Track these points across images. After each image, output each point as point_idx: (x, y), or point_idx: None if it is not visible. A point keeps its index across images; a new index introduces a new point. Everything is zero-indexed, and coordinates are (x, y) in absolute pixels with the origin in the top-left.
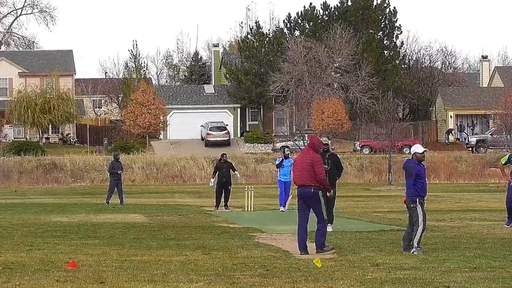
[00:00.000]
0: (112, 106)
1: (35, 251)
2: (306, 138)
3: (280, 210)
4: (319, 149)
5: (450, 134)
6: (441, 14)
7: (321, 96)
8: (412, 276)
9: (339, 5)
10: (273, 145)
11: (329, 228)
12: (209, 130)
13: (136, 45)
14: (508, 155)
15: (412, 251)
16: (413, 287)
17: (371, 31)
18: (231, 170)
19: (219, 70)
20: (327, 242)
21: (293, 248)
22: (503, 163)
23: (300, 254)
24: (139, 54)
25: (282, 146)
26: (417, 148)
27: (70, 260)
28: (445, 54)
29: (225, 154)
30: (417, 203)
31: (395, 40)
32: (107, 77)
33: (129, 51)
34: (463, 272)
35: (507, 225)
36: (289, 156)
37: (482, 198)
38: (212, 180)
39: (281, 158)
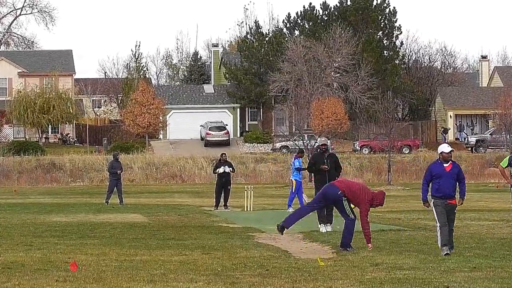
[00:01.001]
0: (111, 106)
1: (34, 251)
2: (306, 138)
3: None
4: (374, 205)
5: (447, 134)
6: (440, 14)
7: (321, 96)
8: (411, 276)
9: (338, 5)
10: (273, 145)
11: (329, 228)
12: (209, 130)
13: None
14: (508, 158)
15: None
16: (412, 287)
17: (370, 31)
18: (231, 169)
19: (218, 70)
20: (326, 242)
21: (292, 248)
22: (503, 166)
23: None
24: (140, 54)
25: (300, 149)
26: (443, 148)
27: (71, 261)
28: (445, 54)
29: (225, 154)
30: (430, 204)
31: (394, 40)
32: (106, 77)
33: (131, 51)
34: (463, 272)
35: None
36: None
37: (482, 198)
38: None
39: (300, 159)
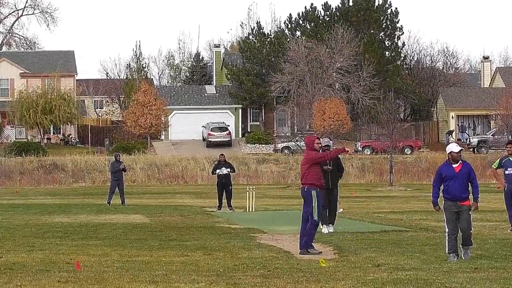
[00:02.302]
0: (113, 107)
1: (36, 251)
2: None
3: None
4: (312, 145)
5: (451, 135)
6: (442, 15)
7: (323, 97)
8: (413, 277)
9: (340, 5)
10: (275, 145)
11: (331, 229)
12: (211, 130)
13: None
14: (499, 159)
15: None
16: (414, 287)
17: (372, 31)
18: (229, 169)
19: (220, 70)
20: (328, 242)
21: (294, 249)
22: (495, 168)
23: (299, 253)
24: (141, 55)
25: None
26: (452, 147)
27: (73, 261)
28: (447, 55)
29: (223, 154)
30: (440, 207)
31: (396, 41)
32: (108, 78)
33: (133, 51)
34: (465, 272)
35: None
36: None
37: (484, 198)
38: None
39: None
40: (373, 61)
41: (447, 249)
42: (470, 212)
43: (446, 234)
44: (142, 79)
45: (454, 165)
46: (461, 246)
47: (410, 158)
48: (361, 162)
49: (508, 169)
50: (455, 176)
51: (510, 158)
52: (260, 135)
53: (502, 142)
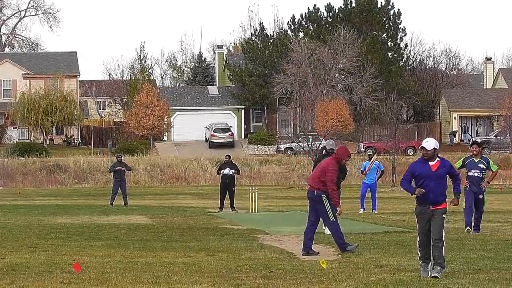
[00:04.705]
0: (116, 108)
1: (39, 252)
2: (311, 139)
3: (360, 211)
4: (341, 159)
5: (454, 136)
6: (445, 16)
7: (325, 98)
8: (416, 278)
9: (343, 6)
10: (277, 146)
11: None
12: (213, 131)
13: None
14: (462, 159)
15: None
16: None
17: (375, 32)
18: (234, 171)
19: (223, 71)
20: (331, 243)
21: (297, 250)
22: (457, 167)
23: (301, 254)
24: (145, 56)
25: (371, 150)
26: (424, 143)
27: (74, 262)
28: (449, 56)
29: (229, 155)
30: (416, 212)
31: (399, 42)
32: (111, 79)
33: (136, 51)
34: (467, 273)
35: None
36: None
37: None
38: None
39: (367, 163)
40: (376, 62)
41: (418, 257)
42: (443, 216)
43: (418, 244)
44: (145, 80)
45: (430, 163)
46: (432, 260)
47: (412, 159)
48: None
49: (472, 170)
50: (430, 175)
51: (474, 160)
52: (263, 136)
53: (505, 143)
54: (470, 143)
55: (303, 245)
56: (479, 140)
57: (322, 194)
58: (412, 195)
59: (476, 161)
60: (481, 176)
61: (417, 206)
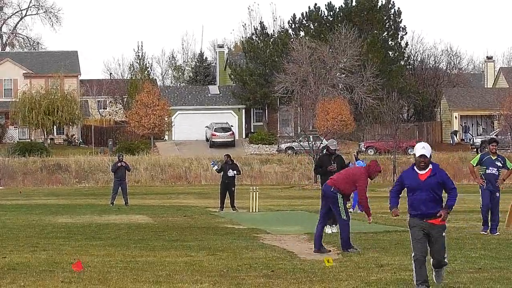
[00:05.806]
0: (116, 107)
1: (39, 252)
2: (311, 139)
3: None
4: (372, 174)
5: (455, 135)
6: (446, 15)
7: (326, 97)
8: None
9: (343, 5)
10: (278, 146)
11: (334, 229)
12: (214, 131)
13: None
14: (479, 156)
15: None
16: None
17: (375, 31)
18: (235, 172)
19: (224, 71)
20: (332, 243)
21: (298, 249)
22: (473, 164)
23: (314, 252)
24: (144, 55)
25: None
26: (416, 149)
27: (75, 261)
28: (450, 55)
29: (228, 154)
30: (410, 224)
31: (399, 41)
32: (111, 78)
33: (134, 51)
34: (468, 273)
35: (484, 232)
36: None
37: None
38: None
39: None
40: (377, 61)
41: (414, 279)
42: (443, 234)
43: (413, 260)
44: (145, 80)
45: (420, 172)
46: (432, 267)
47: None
48: (365, 162)
49: (490, 168)
50: (419, 186)
51: (492, 157)
52: (264, 136)
53: (506, 143)
54: (489, 140)
55: (314, 243)
56: (497, 138)
57: (338, 193)
58: (390, 208)
59: (493, 158)
60: (497, 174)
61: (411, 217)
